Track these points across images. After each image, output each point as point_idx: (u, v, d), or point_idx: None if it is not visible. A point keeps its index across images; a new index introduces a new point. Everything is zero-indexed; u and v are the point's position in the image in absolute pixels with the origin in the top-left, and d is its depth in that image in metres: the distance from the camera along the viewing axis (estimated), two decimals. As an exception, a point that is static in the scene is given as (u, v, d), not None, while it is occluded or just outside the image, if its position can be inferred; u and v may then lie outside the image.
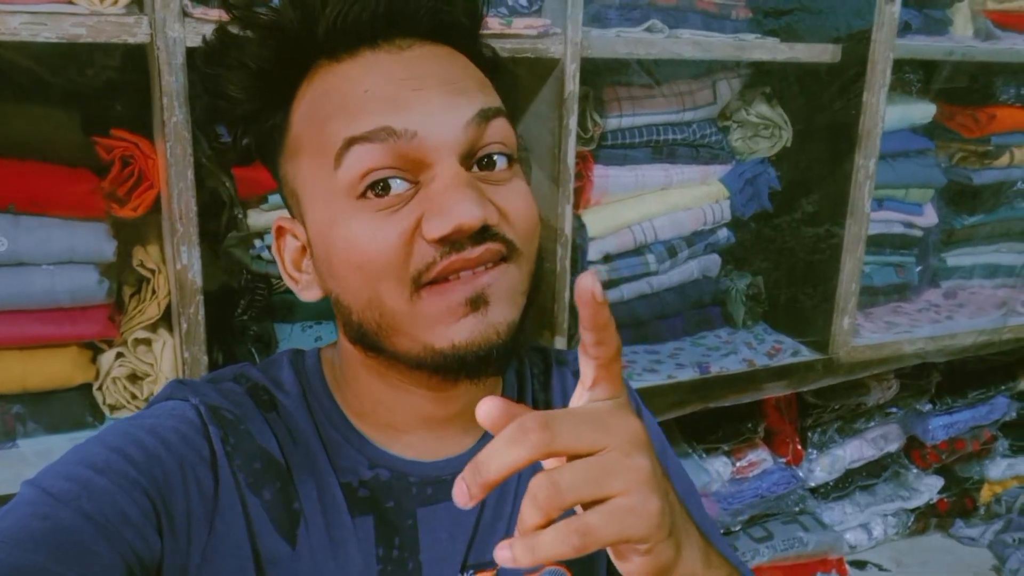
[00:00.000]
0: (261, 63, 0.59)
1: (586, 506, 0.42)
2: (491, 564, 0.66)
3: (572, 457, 0.42)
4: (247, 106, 0.61)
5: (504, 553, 0.41)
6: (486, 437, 0.67)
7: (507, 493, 0.67)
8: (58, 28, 0.82)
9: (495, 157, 0.58)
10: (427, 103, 0.55)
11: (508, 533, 0.66)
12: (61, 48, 0.86)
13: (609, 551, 0.46)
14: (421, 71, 0.57)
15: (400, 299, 0.55)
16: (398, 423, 0.64)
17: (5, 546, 0.47)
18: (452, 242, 0.54)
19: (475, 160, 0.57)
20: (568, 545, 0.41)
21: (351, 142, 0.55)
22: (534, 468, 0.47)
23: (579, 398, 0.50)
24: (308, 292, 0.62)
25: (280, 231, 0.63)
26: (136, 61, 0.95)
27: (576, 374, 0.72)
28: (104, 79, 0.96)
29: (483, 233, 0.54)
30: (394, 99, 0.55)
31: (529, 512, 0.41)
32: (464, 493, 0.42)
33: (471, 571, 0.65)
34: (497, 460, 0.41)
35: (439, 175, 0.55)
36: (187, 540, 0.55)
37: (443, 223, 0.53)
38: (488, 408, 0.44)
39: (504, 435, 0.42)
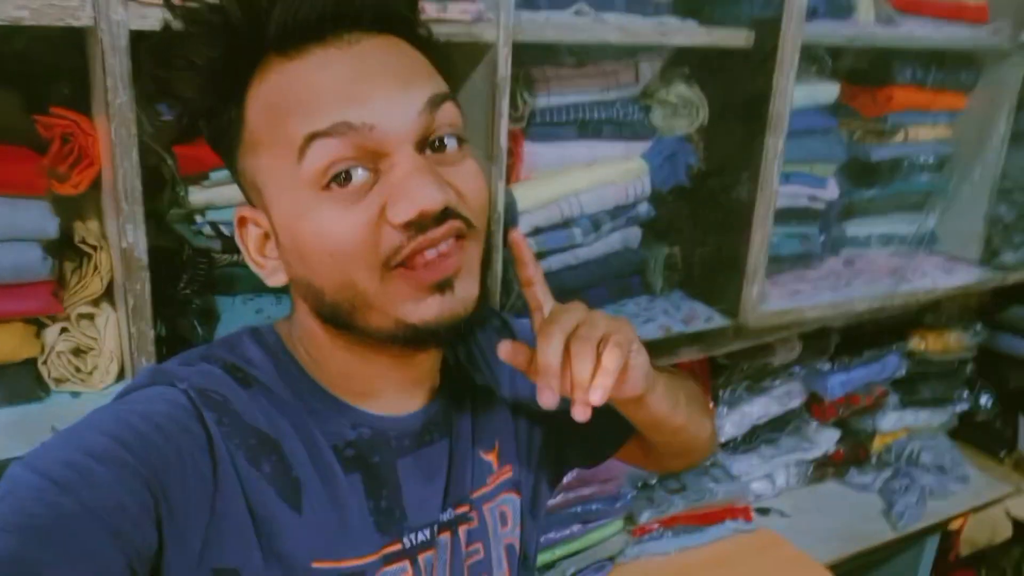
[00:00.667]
0: (210, 62, 0.61)
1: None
2: (465, 500, 0.75)
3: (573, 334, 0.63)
4: (199, 103, 0.64)
5: (596, 394, 0.60)
6: (442, 389, 0.76)
7: (466, 437, 0.76)
8: (0, 10, 0.82)
9: (446, 140, 0.63)
10: (381, 97, 0.59)
11: (474, 472, 0.76)
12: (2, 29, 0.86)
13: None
14: (371, 65, 0.61)
15: (372, 280, 0.60)
16: (368, 389, 0.70)
17: (14, 535, 0.48)
18: (417, 225, 0.59)
19: (428, 144, 0.62)
20: (620, 358, 0.62)
21: (312, 137, 0.59)
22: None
23: (539, 316, 0.70)
24: (274, 277, 0.66)
25: (242, 221, 0.67)
26: (74, 41, 0.96)
27: (495, 329, 0.87)
28: (42, 59, 0.96)
29: (444, 214, 0.60)
30: (349, 94, 0.59)
31: (586, 358, 0.61)
32: (551, 393, 0.60)
33: (450, 508, 0.73)
34: (551, 356, 0.61)
35: (398, 163, 0.60)
36: (187, 526, 0.57)
37: (407, 208, 0.58)
38: (507, 349, 0.65)
39: (543, 344, 0.61)
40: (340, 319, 0.63)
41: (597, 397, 0.60)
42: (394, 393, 0.71)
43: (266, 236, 0.66)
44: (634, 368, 0.67)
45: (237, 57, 0.61)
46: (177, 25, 0.61)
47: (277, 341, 0.71)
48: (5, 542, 0.47)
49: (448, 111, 0.63)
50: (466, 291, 0.63)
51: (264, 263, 0.67)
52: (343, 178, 0.59)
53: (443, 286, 0.62)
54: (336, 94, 0.59)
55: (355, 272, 0.60)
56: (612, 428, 0.87)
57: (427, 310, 0.61)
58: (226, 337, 0.72)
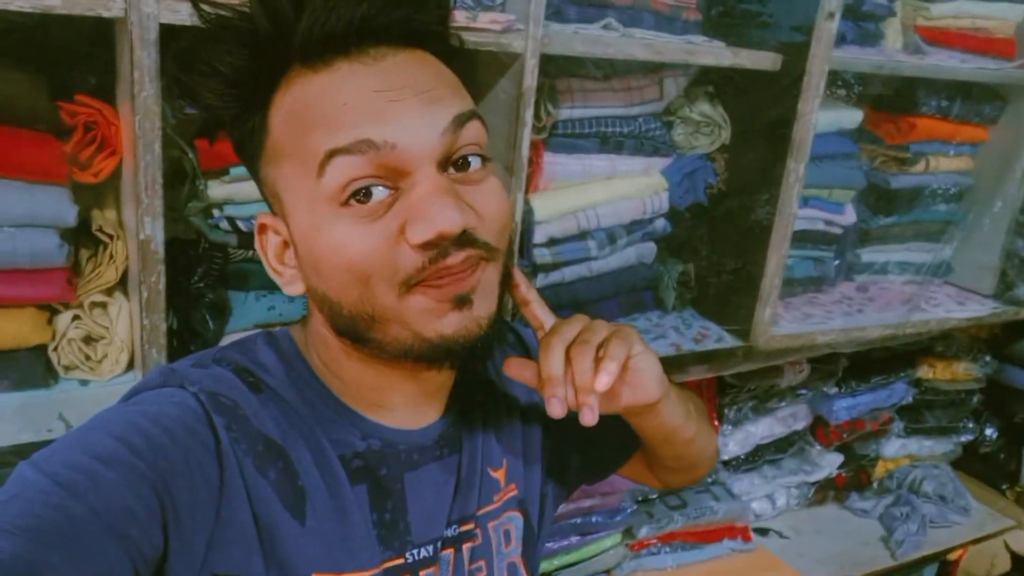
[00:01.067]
0: (236, 71, 0.61)
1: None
2: (471, 517, 0.74)
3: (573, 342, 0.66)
4: (224, 112, 0.64)
5: (601, 379, 0.63)
6: (455, 404, 0.75)
7: (476, 455, 0.76)
8: (33, -2, 0.82)
9: (470, 159, 0.62)
10: (404, 114, 0.59)
11: (481, 489, 0.75)
12: (33, 16, 0.86)
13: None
14: (396, 82, 0.60)
15: (390, 296, 0.60)
16: (380, 401, 0.69)
17: (21, 537, 0.47)
18: (435, 246, 0.59)
19: (451, 162, 0.62)
20: (622, 349, 0.65)
21: (332, 153, 0.58)
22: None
23: (542, 333, 0.72)
24: (292, 286, 0.66)
25: (262, 228, 0.67)
26: (100, 31, 0.96)
27: (509, 343, 0.87)
28: (70, 46, 0.96)
29: (463, 236, 0.59)
30: (372, 111, 0.58)
31: (585, 358, 0.63)
32: (558, 402, 0.63)
33: (455, 525, 0.73)
34: (553, 366, 0.64)
35: (419, 183, 0.59)
36: (192, 530, 0.57)
37: (426, 229, 0.58)
38: (513, 366, 0.70)
39: (544, 355, 0.65)
40: (357, 333, 0.63)
41: (602, 383, 0.62)
42: (406, 406, 0.70)
43: (285, 244, 0.65)
44: (643, 371, 0.68)
45: (262, 66, 0.61)
46: (205, 29, 0.61)
47: (292, 346, 0.70)
48: (12, 544, 0.47)
49: (473, 129, 0.62)
50: (484, 309, 0.63)
51: (283, 271, 0.66)
52: (363, 195, 0.59)
53: (462, 301, 0.61)
54: (359, 111, 0.58)
55: (373, 288, 0.60)
56: (617, 442, 0.88)
57: (446, 325, 0.61)
58: (241, 339, 0.72)
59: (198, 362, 0.67)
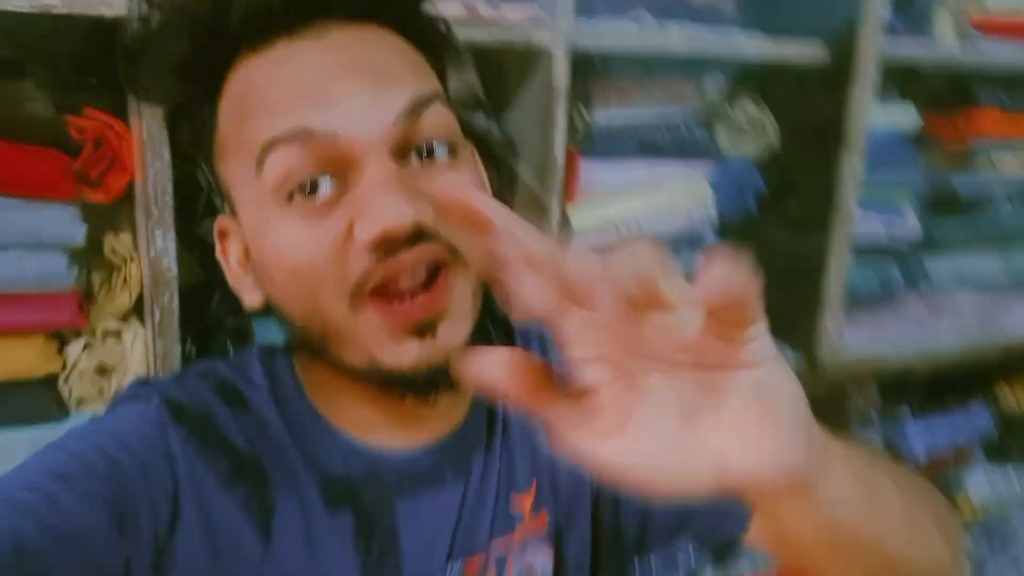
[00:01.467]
0: (179, 58, 0.56)
1: None
2: (480, 549, 0.64)
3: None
4: (170, 104, 0.60)
5: None
6: (466, 423, 0.65)
7: (489, 479, 0.65)
8: (31, -3, 0.79)
9: (436, 147, 0.55)
10: (349, 97, 0.52)
11: (493, 519, 0.65)
12: (33, 20, 0.82)
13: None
14: (341, 59, 0.53)
15: (341, 308, 0.53)
16: (362, 421, 0.61)
17: None
18: (385, 247, 0.51)
19: (415, 152, 0.54)
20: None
21: (269, 144, 0.52)
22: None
23: None
24: (250, 296, 0.60)
25: (223, 234, 0.61)
26: (110, 38, 0.92)
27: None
28: (75, 55, 0.93)
29: (420, 235, 0.52)
30: (310, 94, 0.52)
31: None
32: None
33: (460, 558, 0.63)
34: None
35: (367, 175, 0.52)
36: (151, 544, 0.53)
37: (370, 226, 0.50)
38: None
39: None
40: (312, 348, 0.57)
41: None
42: (392, 427, 0.62)
43: (247, 251, 0.60)
44: (772, 402, 0.36)
45: (205, 53, 0.56)
46: (149, 18, 0.57)
47: (285, 361, 0.65)
48: None
49: (436, 115, 0.55)
50: (451, 336, 0.54)
51: (244, 280, 0.61)
52: (308, 189, 0.52)
53: (423, 330, 0.53)
54: (296, 94, 0.53)
55: (322, 297, 0.53)
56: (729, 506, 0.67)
57: (403, 355, 0.53)
58: (239, 353, 0.68)
59: (181, 375, 0.64)
